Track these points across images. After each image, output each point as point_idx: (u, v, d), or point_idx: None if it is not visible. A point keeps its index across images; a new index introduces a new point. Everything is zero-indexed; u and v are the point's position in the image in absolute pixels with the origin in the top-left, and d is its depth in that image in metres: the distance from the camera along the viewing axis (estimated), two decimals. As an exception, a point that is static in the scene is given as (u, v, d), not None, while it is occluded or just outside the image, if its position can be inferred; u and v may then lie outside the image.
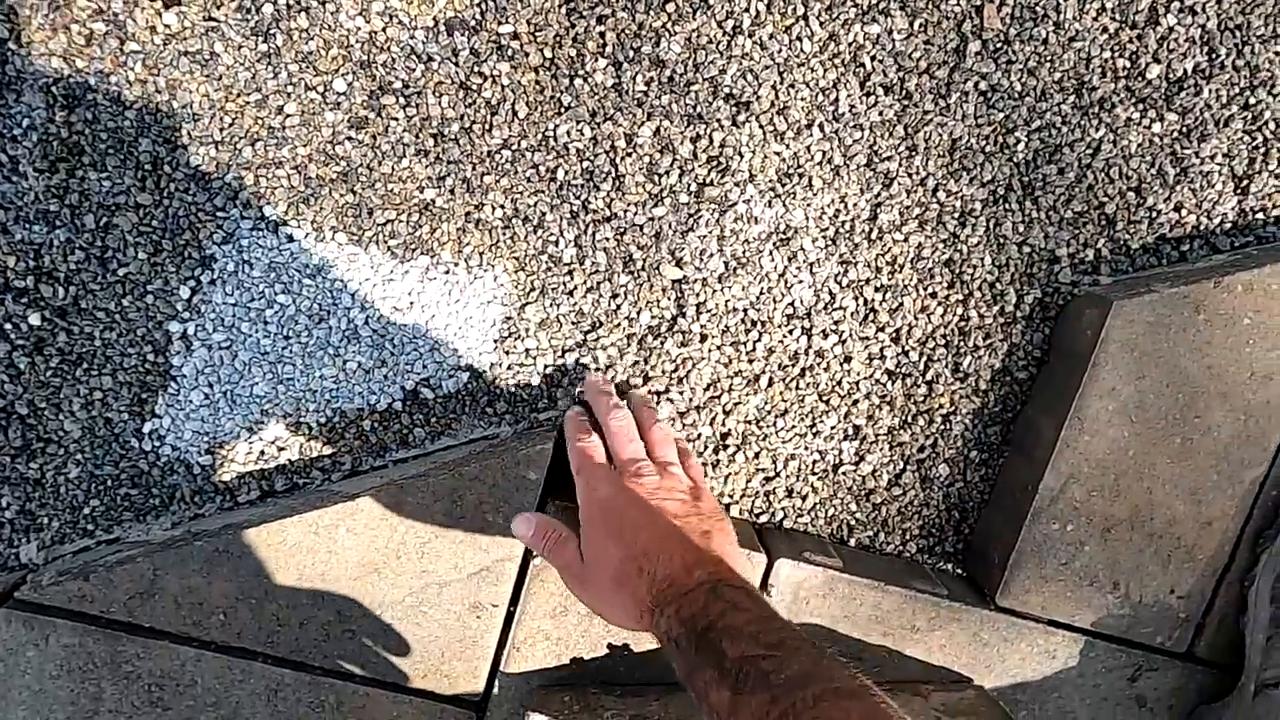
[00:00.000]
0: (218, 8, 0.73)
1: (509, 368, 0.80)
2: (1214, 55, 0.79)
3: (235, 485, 0.80)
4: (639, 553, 0.63)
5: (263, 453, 0.80)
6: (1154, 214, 0.81)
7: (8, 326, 0.76)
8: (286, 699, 0.77)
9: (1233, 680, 0.82)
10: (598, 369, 0.80)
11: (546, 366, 0.80)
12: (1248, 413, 0.79)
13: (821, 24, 0.77)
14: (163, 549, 0.75)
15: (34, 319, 0.76)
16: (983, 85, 0.79)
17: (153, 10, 0.73)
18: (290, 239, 0.77)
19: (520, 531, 0.70)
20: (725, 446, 0.82)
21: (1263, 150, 0.81)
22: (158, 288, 0.77)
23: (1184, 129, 0.80)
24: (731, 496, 0.84)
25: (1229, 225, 0.82)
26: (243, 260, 0.77)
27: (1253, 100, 0.80)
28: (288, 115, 0.75)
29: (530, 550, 0.76)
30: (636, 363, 0.80)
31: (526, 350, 0.80)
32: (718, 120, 0.78)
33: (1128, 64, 0.79)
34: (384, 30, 0.75)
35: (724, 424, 0.82)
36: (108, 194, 0.75)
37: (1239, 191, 0.81)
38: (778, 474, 0.83)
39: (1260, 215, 0.82)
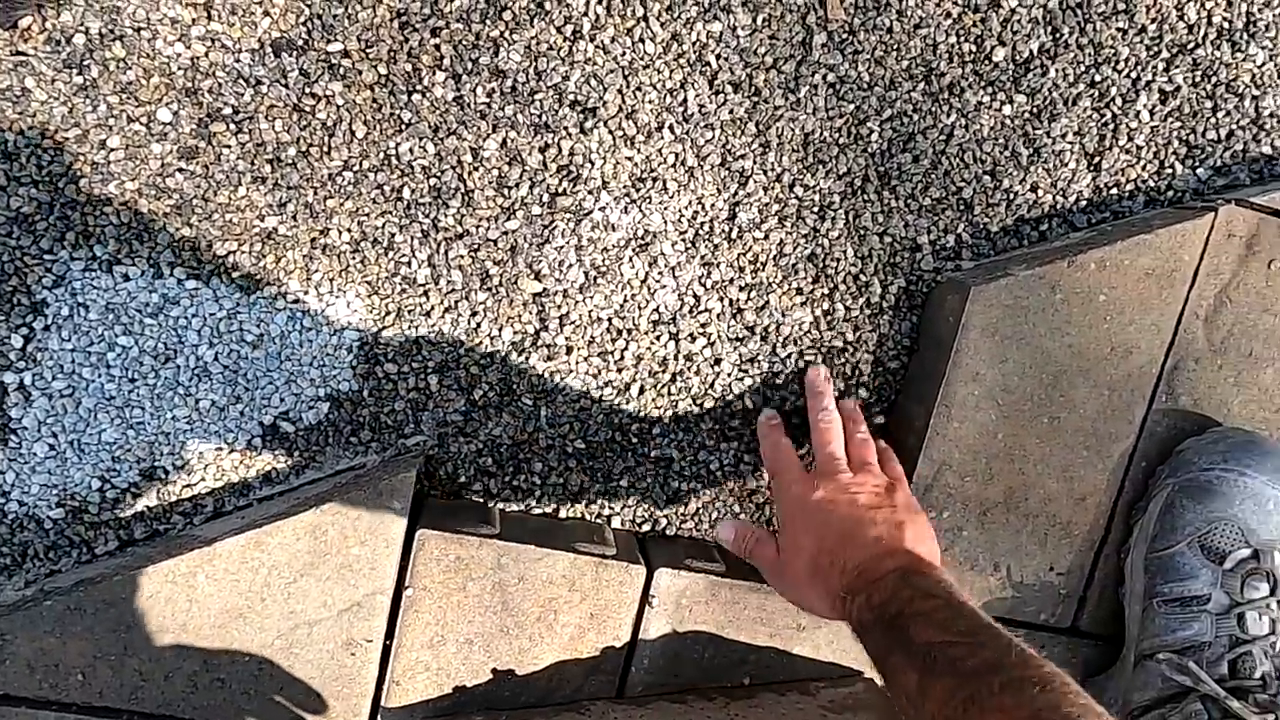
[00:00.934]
0: (25, 40, 0.70)
1: (370, 394, 0.78)
2: (1058, 35, 0.79)
3: (91, 537, 0.77)
4: (832, 544, 0.67)
5: (117, 501, 0.77)
6: (1011, 196, 0.82)
7: None
8: (159, 755, 0.74)
9: (1117, 651, 0.83)
10: (465, 384, 0.78)
11: (409, 390, 0.78)
12: (1111, 388, 0.79)
13: (662, 24, 0.75)
14: (10, 611, 0.71)
15: None
16: (831, 77, 0.78)
17: (-47, 47, 0.69)
18: (126, 278, 0.74)
19: (724, 537, 0.77)
20: (600, 456, 0.81)
21: (1112, 127, 0.82)
22: (-12, 338, 0.73)
23: (1034, 110, 0.81)
24: (611, 507, 0.83)
25: (1084, 203, 0.83)
26: (77, 303, 0.74)
27: (1098, 78, 0.81)
28: (111, 149, 0.72)
29: (402, 581, 0.74)
30: (503, 379, 0.79)
31: (387, 375, 0.78)
32: (565, 128, 0.76)
33: (973, 48, 0.79)
34: (206, 55, 0.71)
35: (596, 435, 0.81)
36: (-78, 243, 0.71)
37: (1092, 169, 0.82)
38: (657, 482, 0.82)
39: (1114, 191, 0.83)
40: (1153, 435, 0.81)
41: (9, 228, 0.72)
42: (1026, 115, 0.81)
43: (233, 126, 0.73)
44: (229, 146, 0.73)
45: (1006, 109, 0.80)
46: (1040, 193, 0.82)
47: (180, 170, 0.73)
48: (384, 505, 0.73)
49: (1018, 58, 0.80)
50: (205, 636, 0.73)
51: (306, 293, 0.76)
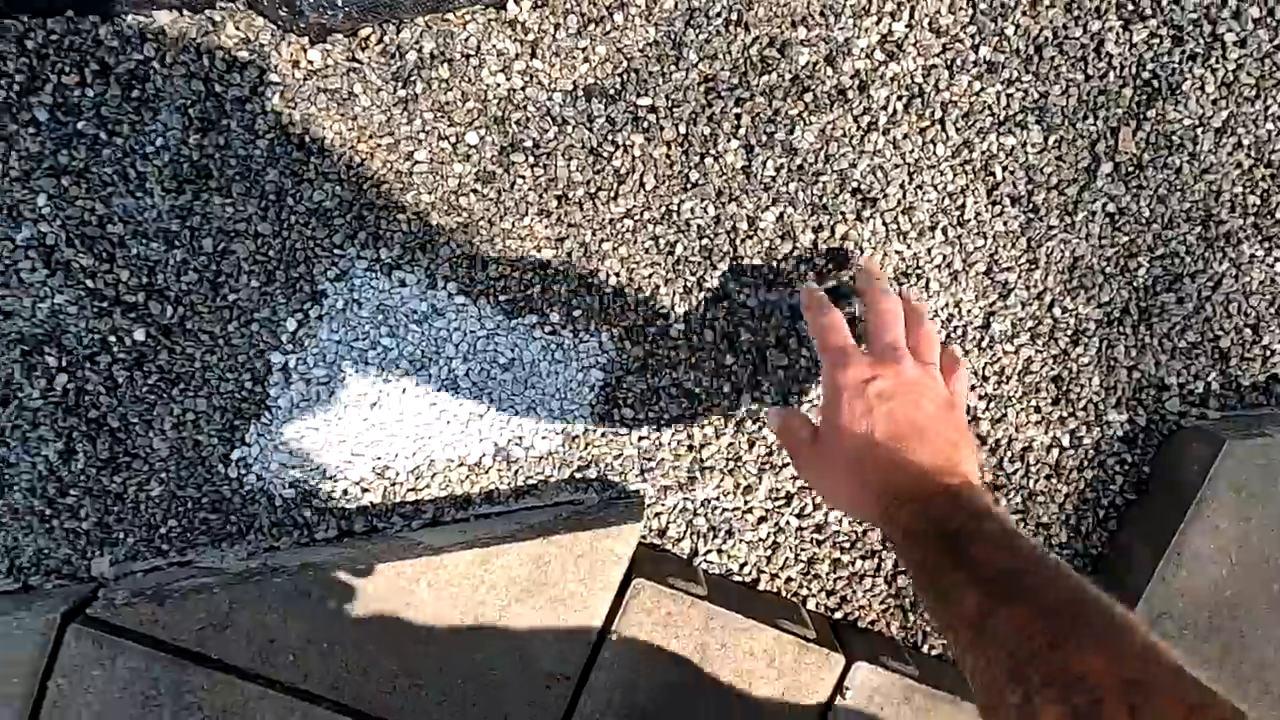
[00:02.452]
0: (362, 49, 0.74)
1: (603, 435, 0.79)
2: (1347, 202, 0.78)
3: (314, 521, 0.80)
4: (886, 447, 0.61)
5: (346, 492, 0.79)
6: (1269, 353, 0.80)
7: (112, 339, 0.76)
8: (342, 747, 0.76)
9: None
10: (697, 443, 0.79)
11: (641, 438, 0.79)
12: (1349, 566, 0.77)
13: (958, 130, 0.76)
14: (240, 581, 0.74)
15: (139, 334, 0.76)
16: (1110, 207, 0.78)
17: (299, 45, 0.73)
18: (402, 283, 0.77)
19: (772, 424, 0.71)
20: (814, 538, 0.81)
21: (1386, 301, 0.80)
22: (265, 317, 0.77)
23: (1309, 271, 0.79)
24: (810, 590, 0.82)
25: (1344, 373, 0.81)
26: (353, 299, 0.77)
27: (1381, 251, 0.79)
28: (417, 161, 0.75)
29: (609, 624, 0.75)
30: (733, 444, 0.79)
31: (623, 419, 0.79)
32: (842, 213, 0.77)
33: (1258, 201, 0.79)
34: (523, 89, 0.75)
35: (813, 515, 0.81)
36: (229, 220, 0.75)
37: (1357, 340, 0.80)
38: (860, 574, 0.82)
39: (1376, 366, 0.81)
40: (1384, 623, 0.78)
41: (308, 218, 0.75)
42: (1300, 276, 0.80)
43: (531, 159, 0.76)
44: (524, 177, 0.76)
45: (1280, 266, 0.79)
46: (1299, 355, 0.81)
47: (475, 191, 0.76)
48: (608, 549, 0.74)
49: (1302, 218, 0.79)
50: (415, 642, 0.74)
51: (564, 327, 0.78)
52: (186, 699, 0.74)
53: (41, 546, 0.78)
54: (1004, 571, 0.51)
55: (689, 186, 0.76)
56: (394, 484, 0.79)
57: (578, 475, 0.80)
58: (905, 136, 0.77)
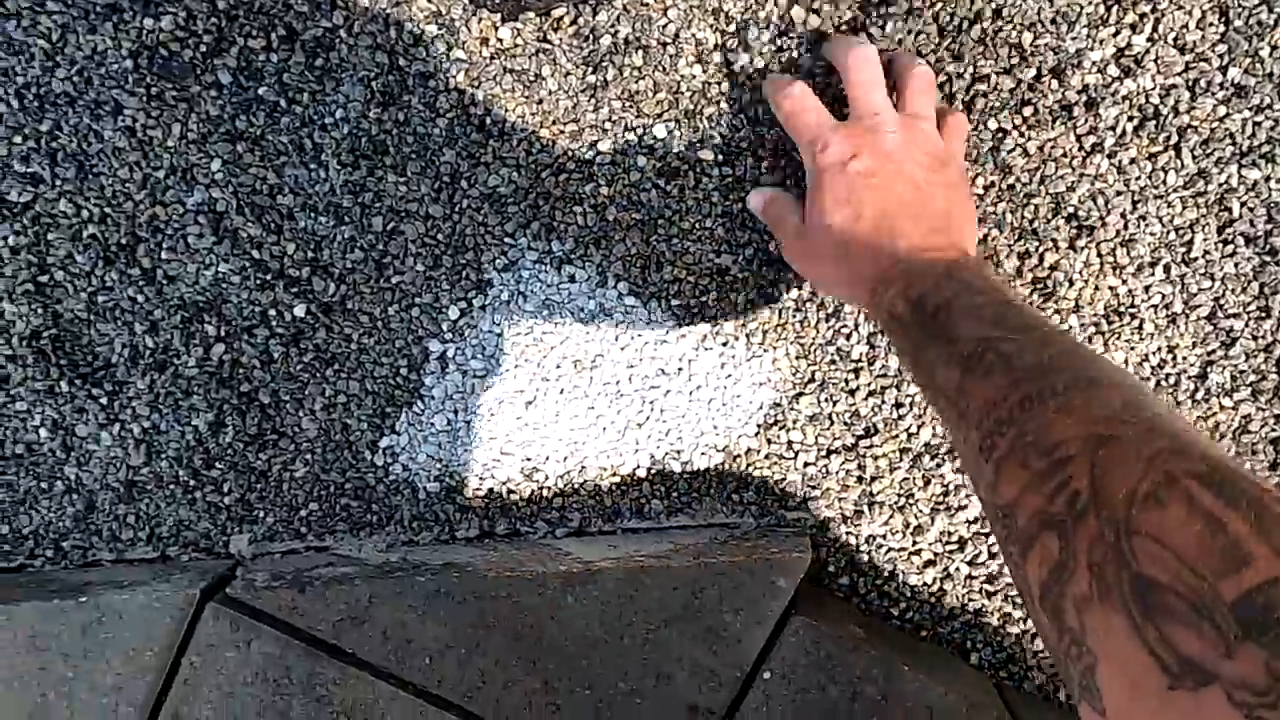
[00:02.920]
0: (555, 30, 0.70)
1: (767, 456, 0.74)
2: None
3: (457, 518, 0.76)
4: (869, 228, 0.58)
5: (492, 491, 0.76)
6: None
7: (272, 313, 0.74)
8: (470, 757, 0.72)
9: None
10: (868, 475, 0.74)
11: (807, 464, 0.74)
12: None
13: (1194, 158, 0.69)
14: (382, 575, 0.71)
15: (299, 310, 0.73)
16: (1362, 256, 0.70)
17: (490, 22, 0.70)
18: (572, 279, 0.73)
19: (753, 204, 0.68)
20: (985, 589, 0.75)
21: None
22: (427, 302, 0.73)
23: None
24: (973, 642, 0.76)
25: None
26: (519, 291, 0.73)
27: None
28: (600, 152, 0.71)
29: (762, 661, 0.70)
30: (906, 480, 0.74)
31: (789, 442, 0.74)
32: (1053, 239, 0.71)
33: None
34: (719, 84, 0.70)
35: (986, 564, 0.74)
36: (401, 199, 0.72)
37: None
38: (1031, 632, 0.75)
39: None
40: None
41: (481, 203, 0.72)
42: None
43: (720, 157, 0.71)
44: (710, 176, 0.71)
45: None
46: None
47: (657, 188, 0.71)
48: (770, 580, 0.69)
49: None
50: (556, 657, 0.70)
51: (738, 339, 0.73)
52: (317, 690, 0.71)
53: (183, 518, 0.77)
54: (985, 340, 0.48)
55: (887, 199, 0.71)
56: (542, 487, 0.76)
57: (735, 497, 0.75)
58: (1133, 161, 0.70)
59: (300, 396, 0.75)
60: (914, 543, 0.75)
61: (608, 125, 0.71)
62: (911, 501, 0.74)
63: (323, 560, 0.75)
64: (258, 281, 0.73)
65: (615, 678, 0.71)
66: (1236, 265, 0.71)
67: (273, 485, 0.76)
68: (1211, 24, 0.68)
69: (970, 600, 0.76)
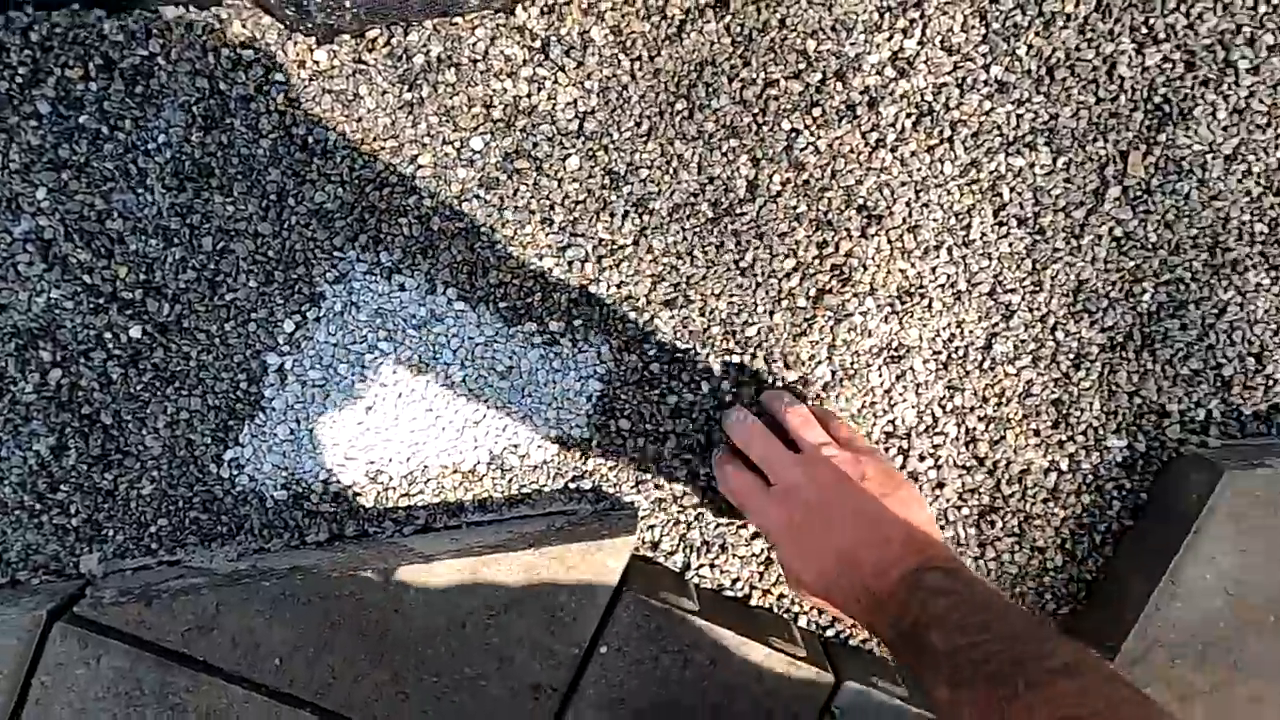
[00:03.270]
0: (370, 51, 0.73)
1: (599, 446, 0.79)
2: (1355, 234, 0.78)
3: (306, 524, 0.79)
4: (827, 570, 0.63)
5: (338, 496, 0.79)
6: (1271, 382, 0.80)
7: (108, 336, 0.75)
8: (327, 752, 0.75)
9: None
10: (694, 457, 0.79)
11: (637, 451, 0.79)
12: (1348, 602, 0.76)
13: (966, 149, 0.76)
14: (229, 584, 0.73)
15: (135, 332, 0.75)
16: (1117, 231, 0.77)
17: (305, 45, 0.73)
18: (402, 288, 0.76)
19: (723, 484, 0.74)
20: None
21: (1392, 335, 0.79)
22: (262, 317, 0.76)
23: (1315, 302, 0.79)
24: (802, 607, 0.82)
25: (1347, 405, 0.80)
26: (351, 302, 0.76)
27: (1389, 283, 0.79)
28: (420, 166, 0.75)
29: (598, 638, 0.74)
30: (728, 459, 0.79)
31: (619, 430, 0.79)
32: (847, 229, 0.77)
33: (1266, 229, 0.78)
34: (529, 96, 0.74)
35: (807, 533, 0.80)
36: (229, 219, 0.74)
37: (1361, 373, 0.80)
38: (854, 591, 0.81)
39: (1380, 399, 0.80)
40: (1380, 659, 0.78)
41: (309, 220, 0.75)
42: (1306, 306, 0.79)
43: (536, 166, 0.75)
44: (527, 184, 0.75)
45: (1286, 296, 0.79)
46: (1303, 386, 0.80)
47: (478, 197, 0.75)
48: (600, 561, 0.73)
49: (1309, 248, 0.78)
50: (402, 649, 0.74)
51: (563, 336, 0.77)
52: (170, 699, 0.73)
53: (30, 542, 0.78)
54: (958, 650, 0.53)
55: (692, 198, 0.76)
56: (387, 489, 0.79)
57: (572, 485, 0.80)
58: (913, 154, 0.76)
59: (142, 415, 0.77)
60: (741, 518, 0.80)
61: (426, 140, 0.74)
62: (735, 479, 0.79)
63: (173, 574, 0.77)
64: (91, 305, 0.75)
65: (460, 664, 0.74)
66: (1010, 245, 0.78)
67: (120, 504, 0.78)
68: (974, 26, 0.75)
69: (796, 567, 0.81)
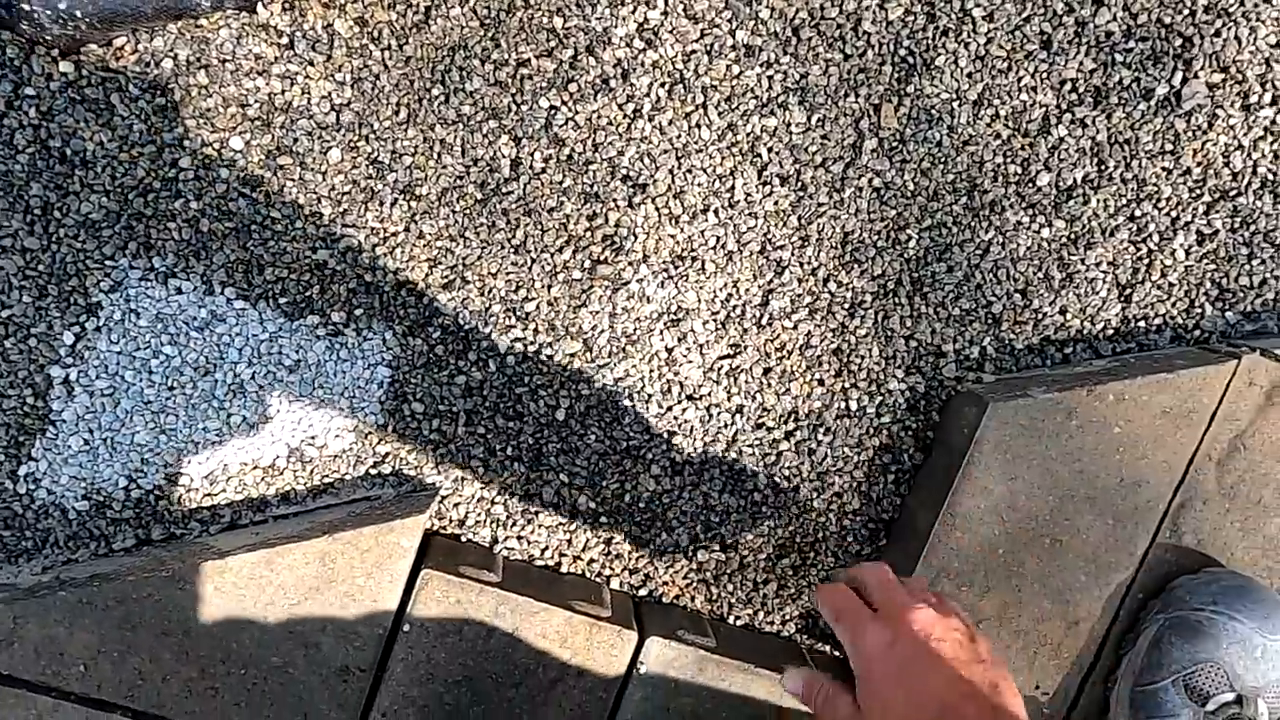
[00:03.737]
0: (116, 59, 0.73)
1: (394, 430, 0.80)
2: (1103, 167, 0.81)
3: (111, 532, 0.80)
4: (927, 709, 0.57)
5: (141, 500, 0.80)
6: (1039, 316, 0.83)
7: (-116, 362, 0.75)
8: (146, 752, 0.77)
9: (1092, 777, 0.83)
10: (489, 434, 0.80)
11: (432, 432, 0.80)
12: (1116, 518, 0.80)
13: (720, 114, 0.78)
14: (25, 597, 0.74)
15: (-88, 356, 0.75)
16: (877, 182, 0.80)
17: (49, 58, 0.73)
18: (179, 291, 0.77)
19: (790, 687, 0.67)
20: (607, 515, 0.83)
21: (1146, 261, 0.83)
22: (41, 332, 0.76)
23: (1071, 236, 0.82)
24: (613, 570, 0.84)
25: (1111, 331, 0.84)
26: (130, 309, 0.77)
27: (1138, 212, 0.82)
28: (182, 169, 0.75)
29: (401, 616, 0.76)
30: (525, 432, 0.81)
31: (413, 414, 0.80)
32: (614, 200, 0.78)
33: (1019, 170, 0.81)
34: (283, 93, 0.75)
35: (606, 494, 0.82)
36: (-6, 236, 0.74)
37: (1122, 299, 0.83)
38: (661, 550, 0.84)
39: (1142, 323, 0.84)
40: (1152, 569, 0.82)
41: (77, 231, 0.75)
42: (1064, 240, 0.82)
43: (298, 162, 0.76)
44: (292, 180, 0.76)
45: (1045, 232, 0.82)
46: (1069, 316, 0.83)
47: (243, 196, 0.76)
48: (393, 541, 0.75)
49: (1061, 184, 0.81)
50: (206, 645, 0.75)
51: (347, 326, 0.79)
52: (-22, 716, 0.74)
53: None
54: None
55: (458, 181, 0.77)
56: (189, 490, 0.80)
57: (373, 471, 0.81)
58: (671, 122, 0.78)
59: (-69, 438, 0.77)
60: (538, 485, 0.82)
61: (185, 143, 0.75)
62: (534, 450, 0.81)
63: (-22, 592, 0.77)
64: None
65: (266, 654, 0.76)
66: (776, 203, 0.80)
67: (-81, 528, 0.78)
68: (717, -7, 0.77)
69: (600, 533, 0.84)
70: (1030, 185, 0.81)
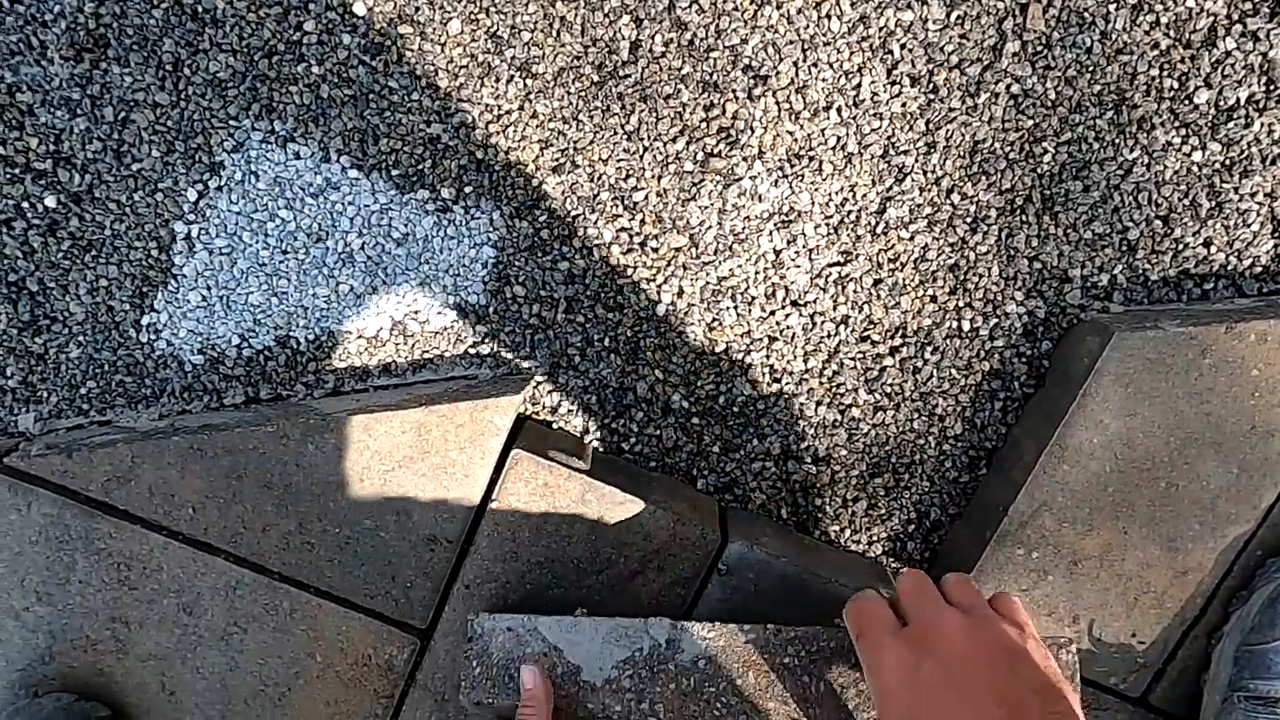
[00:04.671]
0: (250, -83, 0.74)
1: (495, 312, 0.81)
2: (1272, 87, 0.74)
3: (223, 387, 0.83)
4: None
5: (251, 360, 0.82)
6: (1180, 246, 0.77)
7: (25, 205, 0.79)
8: (244, 597, 0.80)
9: (1182, 733, 0.80)
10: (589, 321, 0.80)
11: (532, 316, 0.80)
12: (1242, 467, 0.75)
13: (853, 4, 0.74)
14: (143, 438, 0.78)
15: (50, 201, 0.79)
16: (1015, 89, 0.75)
17: (187, -87, 0.73)
18: (297, 156, 0.78)
19: (851, 622, 0.61)
20: (700, 417, 0.82)
21: (1310, 194, 0.76)
22: (167, 187, 0.79)
23: (1226, 161, 0.76)
24: (699, 471, 0.84)
25: (1259, 269, 0.78)
26: (250, 171, 0.79)
27: (1308, 140, 0.75)
28: (306, 32, 0.76)
29: (490, 493, 0.77)
30: (624, 324, 0.80)
31: (515, 297, 0.80)
32: (733, 91, 0.76)
33: (1175, 85, 0.75)
34: (410, -41, 0.74)
35: (701, 396, 0.81)
36: (128, 89, 0.77)
37: (1276, 235, 0.77)
38: (750, 455, 0.83)
39: (1296, 263, 0.77)
40: (1275, 526, 0.76)
41: (205, 89, 0.77)
42: (1218, 166, 0.76)
43: (420, 32, 0.75)
44: (411, 50, 0.76)
45: (1197, 155, 0.76)
46: (1213, 249, 0.77)
47: (363, 64, 0.76)
48: (487, 419, 0.76)
49: (1222, 103, 0.75)
50: (306, 501, 0.78)
51: (456, 203, 0.79)
52: (96, 545, 0.79)
53: (-28, 401, 0.84)
54: None
55: (576, 61, 0.76)
56: (296, 353, 0.82)
57: (472, 351, 0.82)
58: (799, 11, 0.74)
59: (65, 282, 0.81)
60: (633, 380, 0.82)
61: (310, 6, 0.75)
62: (632, 343, 0.81)
63: (101, 432, 0.82)
64: (7, 176, 0.78)
65: (360, 515, 0.78)
66: (903, 105, 0.76)
67: (51, 367, 0.83)
68: (862, -127, 0.72)
69: (691, 432, 0.83)
70: (1186, 102, 0.75)
